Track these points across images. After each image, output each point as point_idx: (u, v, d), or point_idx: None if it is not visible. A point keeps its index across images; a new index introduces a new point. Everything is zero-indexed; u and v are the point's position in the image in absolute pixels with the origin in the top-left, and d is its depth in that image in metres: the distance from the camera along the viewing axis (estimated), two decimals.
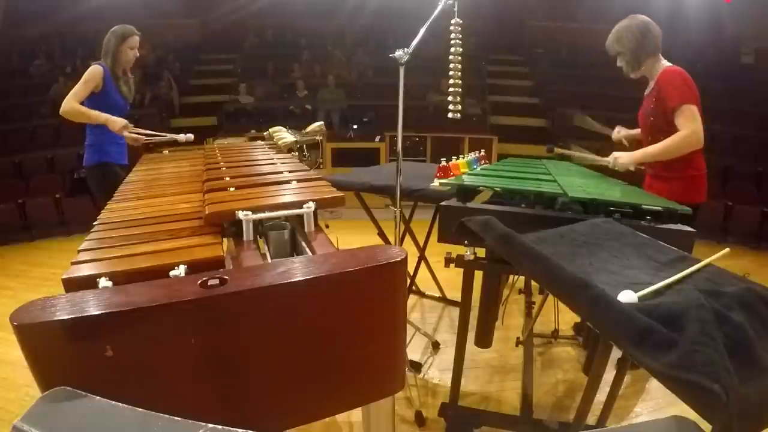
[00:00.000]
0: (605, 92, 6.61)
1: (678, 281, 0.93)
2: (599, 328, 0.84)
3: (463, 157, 2.09)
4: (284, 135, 2.23)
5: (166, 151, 2.51)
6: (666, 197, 1.74)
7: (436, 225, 1.75)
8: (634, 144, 2.30)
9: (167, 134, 2.60)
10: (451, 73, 1.82)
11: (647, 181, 2.12)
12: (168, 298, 0.70)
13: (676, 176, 1.98)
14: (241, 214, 1.13)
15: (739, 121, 5.80)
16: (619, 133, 2.35)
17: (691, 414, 0.58)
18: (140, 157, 2.37)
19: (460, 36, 1.81)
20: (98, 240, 1.11)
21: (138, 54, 2.59)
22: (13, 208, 4.93)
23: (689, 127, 1.86)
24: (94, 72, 2.42)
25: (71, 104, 2.37)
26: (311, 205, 1.19)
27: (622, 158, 2.00)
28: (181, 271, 0.89)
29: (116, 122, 2.41)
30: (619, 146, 2.31)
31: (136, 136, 2.51)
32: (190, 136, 2.58)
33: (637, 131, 2.27)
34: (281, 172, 1.64)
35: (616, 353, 1.39)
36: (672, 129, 1.91)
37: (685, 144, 1.87)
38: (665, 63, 2.01)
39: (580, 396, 1.40)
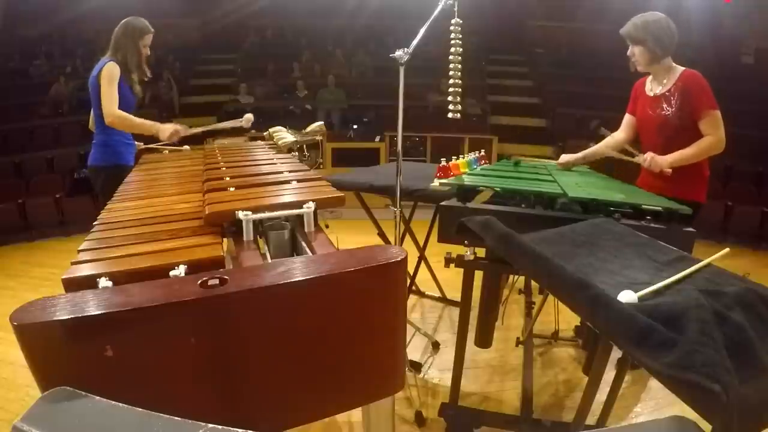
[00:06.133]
0: (605, 92, 6.61)
1: (678, 281, 0.93)
2: (599, 328, 0.84)
3: (463, 157, 2.09)
4: (284, 135, 2.23)
5: (166, 151, 2.51)
6: (670, 195, 1.73)
7: (436, 225, 1.75)
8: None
9: (225, 123, 2.48)
10: (451, 73, 1.82)
11: (647, 180, 2.06)
12: (168, 298, 0.70)
13: (684, 175, 1.95)
14: (241, 214, 1.13)
15: (739, 121, 5.79)
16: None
17: (691, 414, 0.58)
18: (140, 157, 2.37)
19: (460, 36, 1.81)
20: (98, 240, 1.11)
21: (149, 52, 2.48)
22: (13, 208, 4.93)
23: (717, 134, 1.90)
24: (115, 71, 2.30)
25: (116, 113, 2.24)
26: (311, 205, 1.19)
27: (657, 158, 1.94)
28: (181, 271, 0.89)
29: (166, 129, 2.27)
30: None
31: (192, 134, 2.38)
32: (250, 117, 2.44)
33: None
34: (281, 172, 1.63)
35: (616, 353, 1.39)
36: (695, 131, 1.92)
37: (713, 149, 1.92)
38: (676, 65, 2.00)
39: (580, 396, 1.40)
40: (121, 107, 2.30)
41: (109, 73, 2.29)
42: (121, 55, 2.36)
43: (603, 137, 2.30)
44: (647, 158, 1.96)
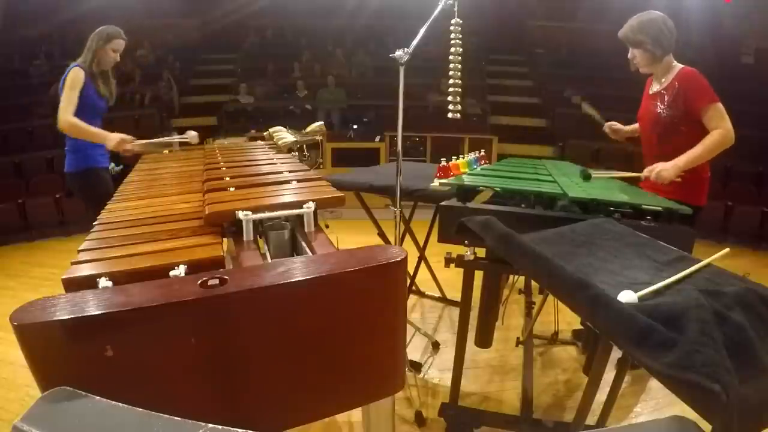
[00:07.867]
0: (605, 92, 6.61)
1: (678, 281, 0.93)
2: (599, 328, 0.84)
3: (463, 157, 2.09)
4: (284, 135, 2.23)
5: (166, 151, 2.51)
6: (669, 197, 1.73)
7: (436, 225, 1.75)
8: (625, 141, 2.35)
9: (171, 137, 2.49)
10: (451, 73, 1.82)
11: (648, 182, 2.01)
12: (168, 298, 0.70)
13: (685, 179, 1.89)
14: (241, 214, 1.13)
15: (739, 121, 5.78)
16: (613, 128, 2.33)
17: (691, 414, 0.58)
18: (140, 157, 2.37)
19: (460, 36, 1.81)
20: (98, 240, 1.11)
21: (119, 59, 2.48)
22: (13, 208, 4.93)
23: (724, 125, 1.84)
24: (77, 76, 2.32)
25: (69, 119, 2.25)
26: (311, 205, 1.19)
27: (666, 171, 1.83)
28: (181, 271, 0.89)
29: (112, 139, 2.26)
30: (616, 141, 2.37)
31: (139, 146, 2.33)
32: (194, 134, 2.42)
33: (631, 128, 2.29)
34: (281, 172, 1.64)
35: (616, 353, 1.39)
36: (692, 129, 1.89)
37: (724, 142, 1.85)
38: (677, 63, 1.99)
39: (581, 396, 1.40)
40: (89, 112, 2.34)
41: (71, 78, 2.31)
42: (88, 60, 2.38)
43: (586, 112, 2.36)
44: (651, 172, 1.88)
